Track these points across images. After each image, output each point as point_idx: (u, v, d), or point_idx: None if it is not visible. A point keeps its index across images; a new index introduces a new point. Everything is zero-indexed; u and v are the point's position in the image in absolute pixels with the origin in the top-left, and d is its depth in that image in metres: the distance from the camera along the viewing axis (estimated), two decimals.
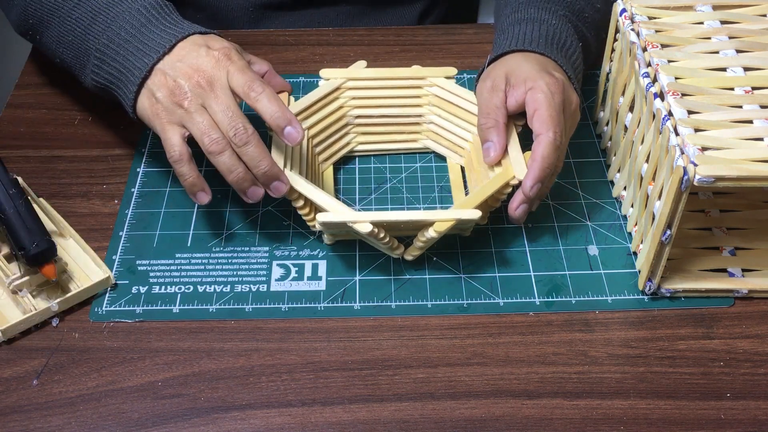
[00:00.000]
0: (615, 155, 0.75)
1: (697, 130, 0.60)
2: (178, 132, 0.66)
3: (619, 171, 0.74)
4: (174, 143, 0.66)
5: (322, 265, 0.69)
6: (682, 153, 0.58)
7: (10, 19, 0.81)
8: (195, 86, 0.65)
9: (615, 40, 0.74)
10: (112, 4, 0.71)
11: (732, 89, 0.64)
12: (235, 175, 0.65)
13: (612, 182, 0.76)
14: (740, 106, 0.62)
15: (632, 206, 0.71)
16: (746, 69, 0.65)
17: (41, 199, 0.73)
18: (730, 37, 0.68)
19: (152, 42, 0.68)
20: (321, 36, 0.94)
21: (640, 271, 0.67)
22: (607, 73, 0.77)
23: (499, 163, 0.68)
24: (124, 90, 0.69)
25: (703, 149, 0.58)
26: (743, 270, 0.67)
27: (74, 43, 0.72)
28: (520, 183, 0.66)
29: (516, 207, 0.67)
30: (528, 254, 0.70)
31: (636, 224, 0.69)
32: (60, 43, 0.74)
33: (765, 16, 0.70)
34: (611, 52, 0.76)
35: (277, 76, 0.73)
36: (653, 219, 0.63)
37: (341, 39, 0.94)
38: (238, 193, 0.66)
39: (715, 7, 0.71)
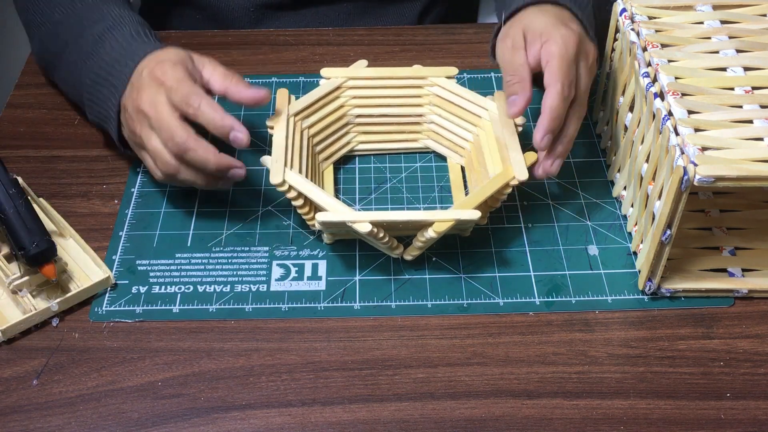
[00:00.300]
0: (615, 155, 0.75)
1: (697, 130, 0.60)
2: (146, 154, 0.69)
3: (619, 171, 0.74)
4: (148, 163, 0.70)
5: (322, 265, 0.69)
6: (682, 153, 0.58)
7: (37, 63, 0.87)
8: (138, 114, 0.67)
9: (615, 39, 0.74)
10: (97, 43, 0.73)
11: (732, 89, 0.64)
12: (200, 183, 0.68)
13: (612, 182, 0.76)
14: (740, 106, 0.62)
15: (632, 206, 0.71)
16: (746, 69, 0.65)
17: (41, 199, 0.73)
18: (730, 37, 0.68)
19: (120, 78, 0.70)
20: (321, 36, 0.94)
21: (640, 271, 0.67)
22: (607, 73, 0.77)
23: (499, 164, 0.68)
24: (111, 129, 0.72)
25: (703, 149, 0.58)
26: (743, 270, 0.67)
27: (75, 85, 0.76)
28: (519, 183, 0.66)
29: (541, 136, 0.65)
30: (528, 254, 0.70)
31: (636, 224, 0.69)
32: (66, 84, 0.79)
33: (765, 16, 0.70)
34: (611, 52, 0.76)
35: (240, 84, 0.69)
36: (653, 219, 0.63)
37: (341, 39, 0.94)
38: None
39: (715, 7, 0.71)
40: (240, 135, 0.66)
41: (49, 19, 0.79)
